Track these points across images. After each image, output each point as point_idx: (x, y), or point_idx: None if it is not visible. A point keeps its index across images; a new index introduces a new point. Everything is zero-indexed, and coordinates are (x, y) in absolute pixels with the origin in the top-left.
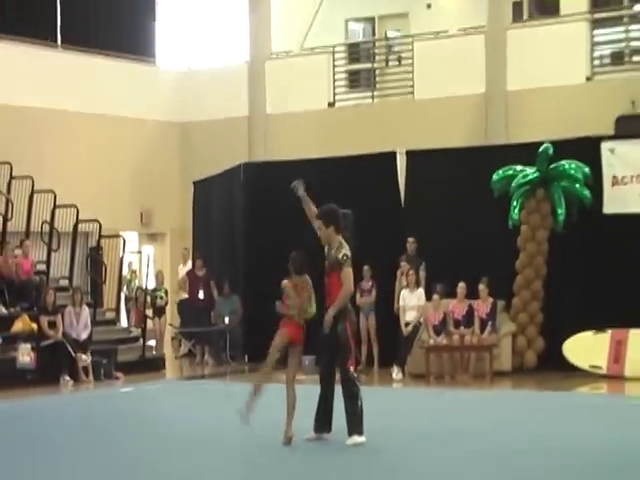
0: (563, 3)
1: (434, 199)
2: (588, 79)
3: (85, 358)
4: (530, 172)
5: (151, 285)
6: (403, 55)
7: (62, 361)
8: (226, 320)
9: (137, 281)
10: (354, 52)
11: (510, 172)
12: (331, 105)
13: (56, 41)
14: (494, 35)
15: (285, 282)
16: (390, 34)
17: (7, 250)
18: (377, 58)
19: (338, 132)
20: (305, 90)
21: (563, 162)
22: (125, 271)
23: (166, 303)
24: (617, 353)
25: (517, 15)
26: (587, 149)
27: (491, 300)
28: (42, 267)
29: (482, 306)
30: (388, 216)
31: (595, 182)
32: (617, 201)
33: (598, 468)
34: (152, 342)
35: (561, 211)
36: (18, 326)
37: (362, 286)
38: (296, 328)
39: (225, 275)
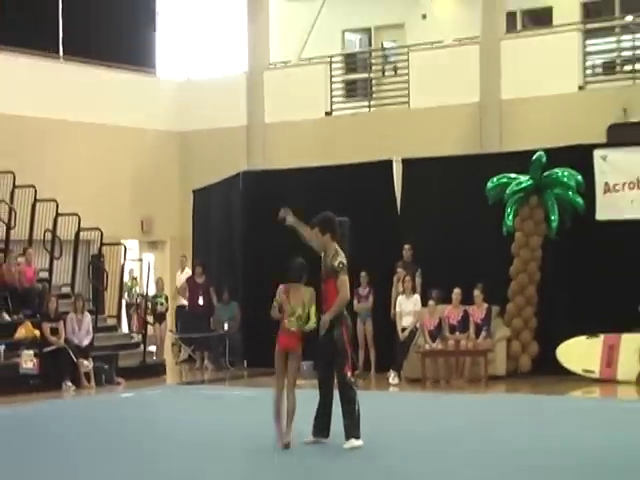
0: (556, 14)
1: (430, 206)
2: (580, 88)
3: (87, 364)
4: (524, 180)
5: (151, 292)
6: (399, 65)
7: (64, 367)
8: (225, 326)
9: (138, 288)
10: (351, 62)
11: (504, 180)
12: (328, 114)
13: (58, 52)
14: (488, 45)
15: (279, 287)
16: (386, 44)
17: (10, 258)
18: (373, 68)
19: (335, 141)
20: (303, 100)
21: (556, 170)
22: (126, 278)
23: (166, 309)
24: (609, 357)
25: (511, 26)
26: (580, 157)
27: (486, 306)
28: (45, 275)
29: (477, 311)
30: (384, 223)
31: (588, 189)
32: (609, 208)
33: (597, 468)
34: (153, 348)
35: (554, 218)
36: (21, 333)
37: (359, 292)
38: (288, 336)
39: (224, 282)
